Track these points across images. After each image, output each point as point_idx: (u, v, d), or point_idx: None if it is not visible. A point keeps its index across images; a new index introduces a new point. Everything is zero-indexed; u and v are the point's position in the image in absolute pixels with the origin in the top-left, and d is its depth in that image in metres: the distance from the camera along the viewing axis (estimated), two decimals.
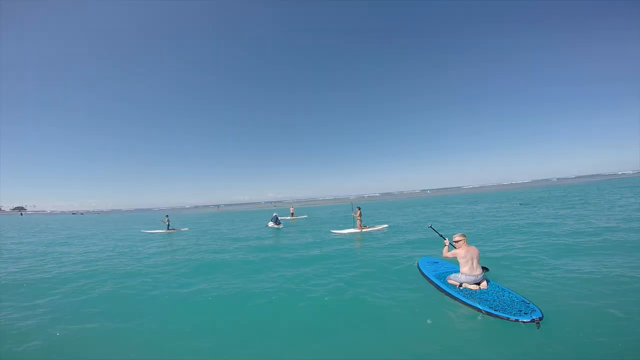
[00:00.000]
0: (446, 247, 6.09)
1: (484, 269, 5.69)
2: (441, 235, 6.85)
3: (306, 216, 31.49)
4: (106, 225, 35.83)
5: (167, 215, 23.29)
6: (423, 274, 6.79)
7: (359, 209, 15.57)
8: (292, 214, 29.88)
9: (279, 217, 22.56)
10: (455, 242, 5.75)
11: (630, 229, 10.52)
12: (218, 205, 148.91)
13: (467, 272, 5.53)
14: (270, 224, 21.82)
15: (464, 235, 5.72)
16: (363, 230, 15.17)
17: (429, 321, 4.70)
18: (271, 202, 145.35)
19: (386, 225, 16.33)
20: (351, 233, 14.82)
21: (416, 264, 7.62)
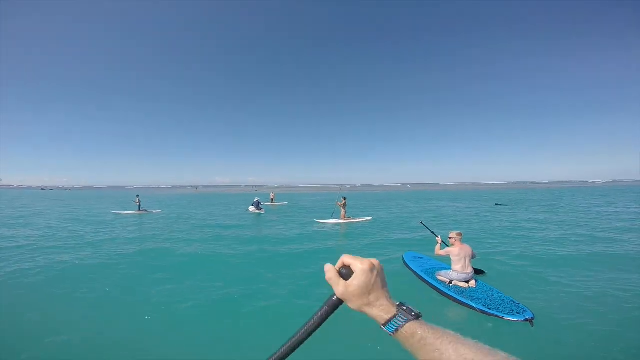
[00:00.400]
0: (438, 244, 5.86)
1: (480, 271, 5.55)
2: (433, 233, 6.63)
3: (286, 203, 30.92)
4: (74, 203, 33.97)
5: (138, 195, 21.76)
6: (410, 268, 6.59)
7: (344, 199, 15.26)
8: (272, 199, 29.31)
9: (260, 203, 21.95)
10: (450, 238, 5.51)
11: (612, 235, 10.87)
12: (196, 187, 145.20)
13: (459, 270, 5.33)
14: (251, 208, 21.23)
15: (461, 234, 5.49)
16: (347, 220, 14.91)
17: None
18: (252, 187, 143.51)
19: (370, 218, 16.15)
20: (335, 223, 14.53)
21: (401, 258, 7.47)
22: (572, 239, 10.31)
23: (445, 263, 6.44)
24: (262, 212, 20.56)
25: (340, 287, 0.63)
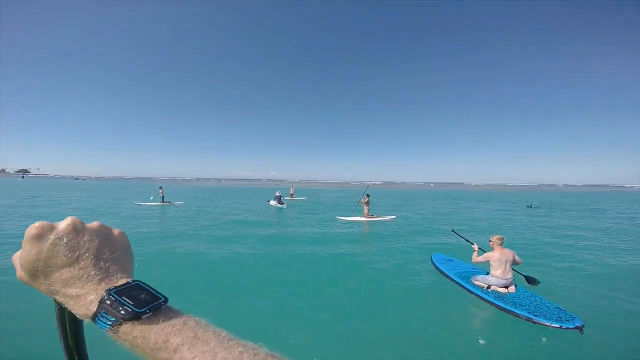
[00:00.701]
0: (475, 252, 5.49)
1: (532, 280, 5.20)
2: (468, 240, 6.31)
3: (305, 198, 30.76)
4: (103, 193, 35.65)
5: (161, 187, 21.93)
6: (441, 270, 6.25)
7: (368, 196, 14.90)
8: (292, 194, 29.38)
9: (282, 197, 21.94)
10: (490, 242, 5.13)
11: None
12: (219, 180, 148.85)
13: (499, 276, 4.96)
14: (273, 202, 21.29)
15: (502, 238, 5.10)
16: (370, 219, 14.57)
17: (481, 341, 3.93)
18: (273, 181, 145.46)
19: (394, 216, 15.70)
20: (358, 221, 14.23)
21: (430, 261, 7.17)
22: (622, 246, 9.51)
23: (479, 267, 6.06)
24: (284, 206, 20.57)
25: (17, 270, 0.40)
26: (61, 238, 0.39)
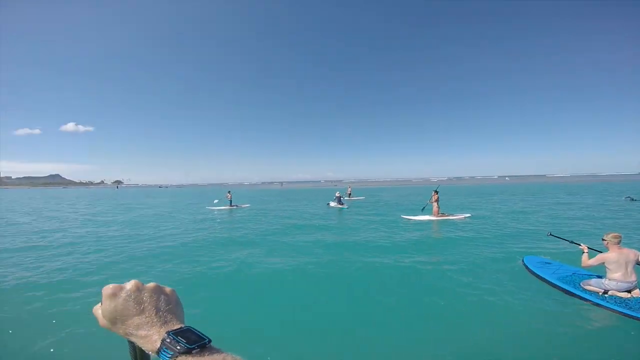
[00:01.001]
0: (585, 254, 4.71)
1: None
2: (573, 242, 5.45)
3: (363, 198, 30.08)
4: (180, 199, 40.02)
5: (230, 192, 23.05)
6: (538, 275, 5.53)
7: (436, 193, 14.03)
8: (350, 194, 29.17)
9: (342, 197, 22.01)
10: (604, 241, 4.39)
11: None
12: (281, 183, 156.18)
13: (619, 279, 4.24)
14: (332, 203, 21.43)
15: (618, 236, 4.34)
16: (440, 217, 13.71)
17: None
18: (331, 182, 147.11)
19: (468, 215, 14.51)
20: (426, 221, 13.51)
21: (521, 264, 6.42)
22: None
23: (589, 271, 5.18)
24: (345, 206, 20.61)
25: (98, 319, 0.59)
26: (129, 295, 0.57)
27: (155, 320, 0.56)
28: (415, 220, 13.67)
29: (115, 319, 0.56)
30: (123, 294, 0.57)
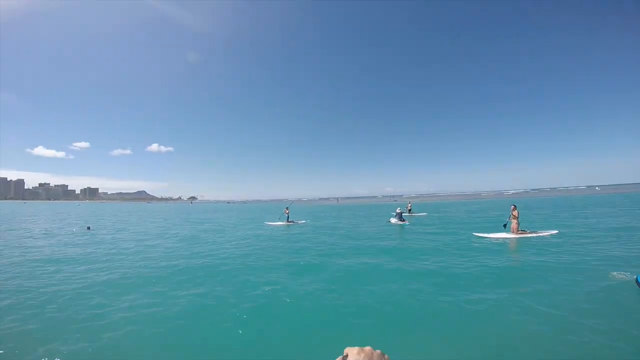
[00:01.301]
0: None
1: None
2: None
3: (425, 214, 27.66)
4: (244, 214, 42.10)
5: (288, 207, 22.84)
6: None
7: (515, 207, 11.99)
8: (410, 209, 27.09)
9: (403, 213, 20.55)
10: None
11: None
12: (337, 199, 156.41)
13: None
14: (393, 220, 20.10)
15: None
16: (521, 235, 11.64)
17: None
18: (390, 197, 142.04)
19: (555, 231, 12.10)
20: (503, 239, 11.56)
21: (633, 281, 5.41)
22: None
23: None
24: (406, 223, 19.13)
25: None
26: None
27: None
28: (490, 238, 11.79)
29: None
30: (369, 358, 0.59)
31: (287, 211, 22.13)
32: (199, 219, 30.46)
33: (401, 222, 19.22)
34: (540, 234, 11.79)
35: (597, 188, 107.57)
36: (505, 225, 12.33)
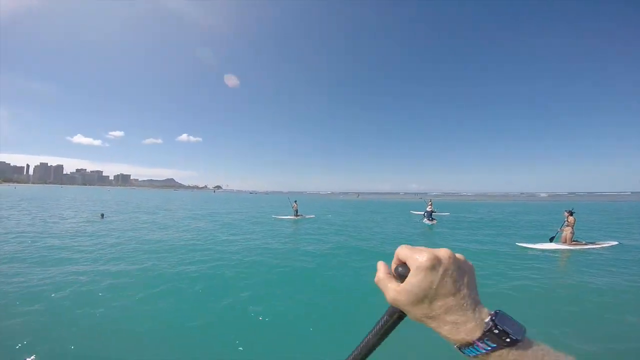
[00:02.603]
0: None
1: None
2: None
3: (448, 213, 25.38)
4: (262, 205, 41.47)
5: (296, 201, 22.02)
6: None
7: (569, 213, 10.06)
8: (431, 209, 24.54)
9: (433, 212, 18.75)
10: None
11: None
12: (357, 194, 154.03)
13: None
14: (426, 220, 18.20)
15: None
16: (574, 246, 9.78)
17: None
18: (415, 194, 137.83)
19: (614, 242, 10.16)
20: (553, 250, 9.74)
21: None
22: None
23: None
24: (434, 222, 17.46)
25: (389, 292, 0.44)
26: (447, 269, 0.41)
27: (469, 302, 0.41)
28: (539, 249, 9.88)
29: (424, 297, 0.41)
30: (441, 268, 0.41)
31: (296, 205, 21.10)
32: (212, 211, 30.07)
33: (431, 222, 17.53)
34: (598, 245, 9.91)
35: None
36: (552, 239, 10.30)
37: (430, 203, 25.49)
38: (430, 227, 16.68)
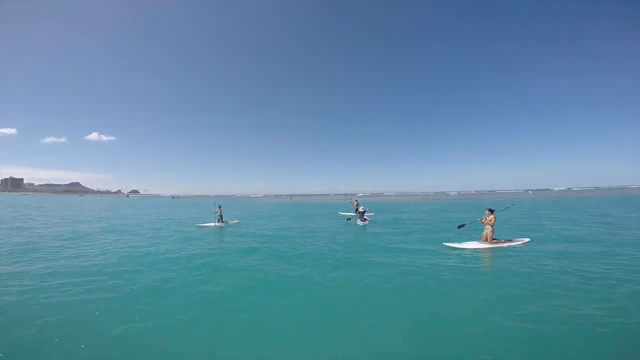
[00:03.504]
0: None
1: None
2: None
3: (374, 214, 25.28)
4: (182, 210, 37.19)
5: (220, 206, 19.44)
6: None
7: (490, 212, 10.50)
8: (356, 209, 24.35)
9: (366, 211, 18.71)
10: None
11: None
12: (291, 196, 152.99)
13: None
14: (359, 221, 17.76)
15: None
16: (494, 244, 10.26)
17: None
18: (344, 195, 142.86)
19: (527, 240, 11.05)
20: (478, 249, 10.08)
21: None
22: None
23: None
24: (367, 223, 17.42)
25: None
26: None
27: None
28: (463, 249, 10.20)
29: None
30: None
31: (219, 211, 18.74)
32: (119, 215, 25.36)
33: (363, 223, 17.29)
34: (515, 243, 10.61)
35: (530, 192, 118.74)
36: (461, 226, 12.32)
37: (356, 203, 25.19)
38: (363, 227, 16.44)
